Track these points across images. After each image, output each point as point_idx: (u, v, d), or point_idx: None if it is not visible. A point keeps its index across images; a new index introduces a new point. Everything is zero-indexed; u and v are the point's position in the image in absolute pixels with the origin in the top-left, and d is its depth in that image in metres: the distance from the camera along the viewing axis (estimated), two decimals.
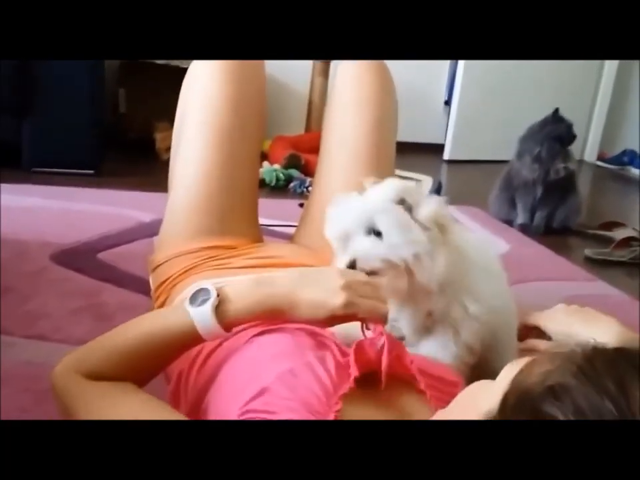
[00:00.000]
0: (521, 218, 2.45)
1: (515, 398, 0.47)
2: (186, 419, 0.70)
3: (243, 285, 0.77)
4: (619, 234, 2.27)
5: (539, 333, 0.90)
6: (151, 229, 1.85)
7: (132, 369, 0.73)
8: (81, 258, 1.63)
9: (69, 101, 2.41)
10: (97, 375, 0.72)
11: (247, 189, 1.23)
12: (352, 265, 0.78)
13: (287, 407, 0.64)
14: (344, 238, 0.79)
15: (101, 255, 1.66)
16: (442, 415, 0.63)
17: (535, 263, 2.00)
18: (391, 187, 0.80)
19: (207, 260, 1.11)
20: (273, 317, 0.76)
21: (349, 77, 1.27)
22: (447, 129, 3.82)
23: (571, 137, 2.41)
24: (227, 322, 0.73)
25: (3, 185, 2.18)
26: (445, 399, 0.68)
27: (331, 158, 1.29)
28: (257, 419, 0.64)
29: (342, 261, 0.79)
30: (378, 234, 0.78)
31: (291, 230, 1.90)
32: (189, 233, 1.15)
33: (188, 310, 0.73)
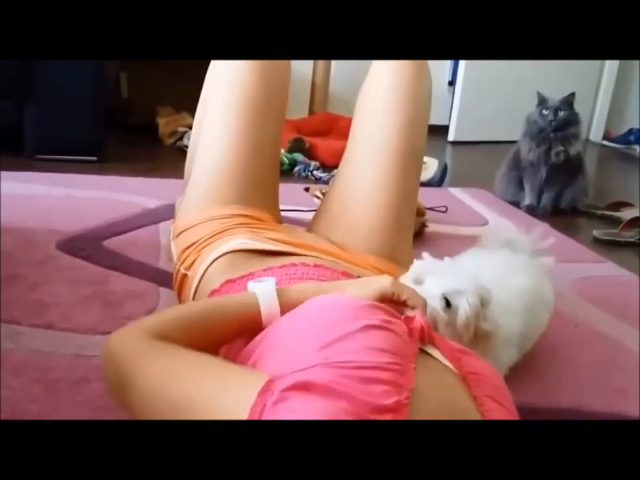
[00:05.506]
0: (528, 199, 2.43)
1: None
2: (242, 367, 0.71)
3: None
4: (627, 214, 2.25)
5: None
6: (156, 215, 1.84)
7: (197, 336, 0.76)
8: (87, 245, 1.62)
9: (71, 85, 2.39)
10: (165, 338, 0.73)
11: (269, 165, 1.23)
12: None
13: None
14: (418, 282, 0.92)
15: (106, 242, 1.65)
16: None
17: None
18: (478, 290, 0.94)
19: (238, 225, 1.11)
20: None
21: (385, 66, 1.24)
22: (451, 110, 3.78)
23: (565, 102, 2.34)
24: (285, 300, 0.80)
25: (8, 173, 2.17)
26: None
27: (360, 150, 1.25)
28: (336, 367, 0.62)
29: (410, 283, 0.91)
30: (448, 304, 0.90)
31: (297, 215, 1.89)
32: (217, 200, 1.16)
33: (253, 286, 0.81)
